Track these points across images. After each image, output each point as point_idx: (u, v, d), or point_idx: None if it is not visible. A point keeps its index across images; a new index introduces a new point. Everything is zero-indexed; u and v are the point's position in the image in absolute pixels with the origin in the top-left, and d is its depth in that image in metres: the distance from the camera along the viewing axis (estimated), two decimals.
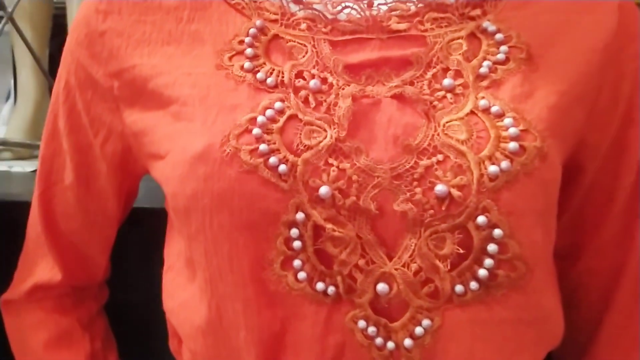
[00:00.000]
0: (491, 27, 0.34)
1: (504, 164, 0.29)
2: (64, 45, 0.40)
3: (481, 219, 0.28)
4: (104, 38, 0.36)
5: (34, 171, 0.86)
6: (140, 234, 0.52)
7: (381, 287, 0.29)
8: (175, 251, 0.37)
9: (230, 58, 0.33)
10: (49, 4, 1.14)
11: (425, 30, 0.34)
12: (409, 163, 0.30)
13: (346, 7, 0.34)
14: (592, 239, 0.39)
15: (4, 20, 0.87)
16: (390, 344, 0.30)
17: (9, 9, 0.85)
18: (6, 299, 0.46)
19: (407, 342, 0.30)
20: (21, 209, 0.59)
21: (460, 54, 0.33)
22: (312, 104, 0.32)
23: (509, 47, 0.33)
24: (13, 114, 1.11)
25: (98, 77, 0.36)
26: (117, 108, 0.37)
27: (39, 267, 0.44)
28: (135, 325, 0.54)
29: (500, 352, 0.30)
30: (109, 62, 0.36)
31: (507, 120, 0.30)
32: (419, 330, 0.29)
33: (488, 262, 0.29)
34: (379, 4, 0.34)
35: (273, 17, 0.35)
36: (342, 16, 0.34)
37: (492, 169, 0.29)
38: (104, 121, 0.38)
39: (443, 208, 0.29)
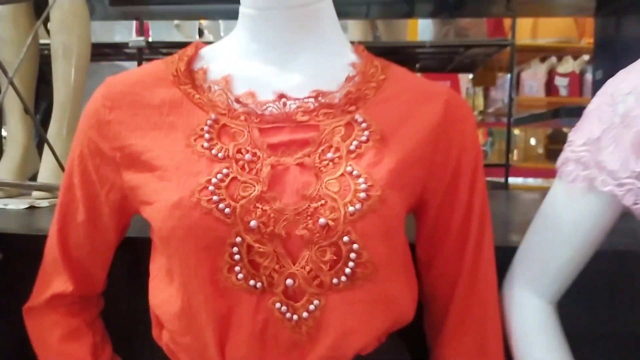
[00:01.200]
0: (360, 118, 0.54)
1: (358, 206, 0.48)
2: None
3: (346, 239, 0.48)
4: (109, 125, 0.54)
5: (27, 208, 1.03)
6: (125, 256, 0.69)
7: (289, 282, 0.48)
8: (157, 265, 0.55)
9: (195, 140, 0.52)
10: (36, 59, 1.31)
11: (319, 121, 0.54)
12: (305, 206, 0.49)
13: (269, 106, 0.54)
14: (439, 253, 0.59)
15: (6, 86, 1.03)
16: (295, 317, 0.49)
17: (10, 74, 1.02)
18: (28, 307, 0.62)
19: (305, 315, 0.49)
20: (17, 241, 0.76)
21: (340, 136, 0.53)
22: (247, 169, 0.51)
23: (370, 131, 0.53)
24: (3, 158, 1.27)
25: (105, 150, 0.55)
26: (118, 170, 0.55)
27: (55, 281, 0.61)
28: (120, 325, 0.71)
29: (361, 320, 0.50)
30: (113, 141, 0.54)
31: (361, 180, 0.50)
32: (312, 307, 0.49)
33: (351, 264, 0.48)
34: (290, 104, 0.54)
35: (222, 112, 0.54)
36: (267, 112, 0.54)
37: (351, 209, 0.48)
38: (108, 178, 0.56)
39: (324, 233, 0.48)
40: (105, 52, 2.49)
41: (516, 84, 3.56)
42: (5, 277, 0.73)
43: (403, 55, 2.71)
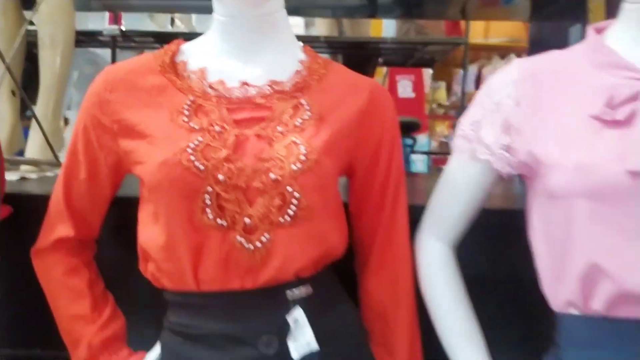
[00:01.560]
0: (304, 102, 0.71)
1: (299, 165, 0.66)
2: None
3: (289, 189, 0.65)
4: (109, 103, 0.70)
5: (18, 180, 1.16)
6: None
7: (247, 220, 0.65)
8: (145, 212, 0.71)
9: (177, 116, 0.69)
10: (24, 47, 1.43)
11: (273, 103, 0.71)
12: (260, 165, 0.66)
13: (235, 91, 0.71)
14: (365, 208, 0.77)
15: (2, 70, 1.16)
16: (251, 247, 0.66)
17: (7, 60, 1.15)
18: (36, 249, 0.77)
19: (259, 245, 0.66)
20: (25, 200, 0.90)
21: (288, 115, 0.70)
22: (217, 138, 0.67)
23: (311, 112, 0.71)
24: None
25: (105, 123, 0.70)
26: (115, 139, 0.71)
27: (60, 228, 0.76)
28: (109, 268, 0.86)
29: (299, 249, 0.67)
30: (113, 115, 0.70)
31: (302, 147, 0.67)
32: (264, 239, 0.66)
33: (293, 208, 0.66)
34: (251, 90, 0.71)
35: (198, 95, 0.70)
36: (233, 95, 0.71)
37: (294, 167, 0.65)
38: (107, 145, 0.71)
39: (274, 185, 0.65)
40: (79, 40, 2.58)
41: (478, 79, 3.81)
42: (14, 228, 0.88)
43: (366, 50, 2.89)
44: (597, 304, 0.59)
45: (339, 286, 0.76)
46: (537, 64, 0.69)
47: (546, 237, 0.64)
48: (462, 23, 2.90)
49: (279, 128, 0.69)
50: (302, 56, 0.76)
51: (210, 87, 0.71)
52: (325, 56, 2.87)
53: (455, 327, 0.73)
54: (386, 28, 3.39)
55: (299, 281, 0.69)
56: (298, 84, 0.73)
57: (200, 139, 0.67)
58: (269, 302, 0.68)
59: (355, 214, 0.79)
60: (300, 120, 0.70)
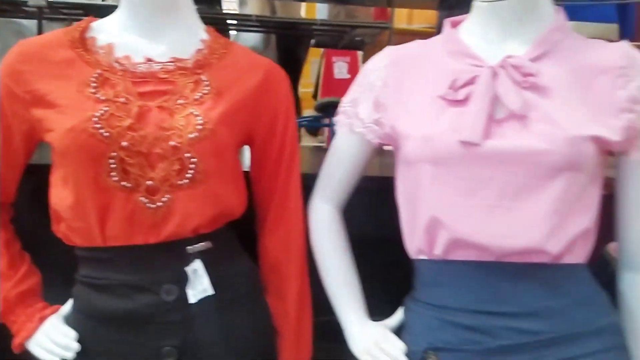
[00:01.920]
0: (204, 78, 0.80)
1: (196, 134, 0.75)
2: None
3: (187, 155, 0.74)
4: (22, 74, 0.76)
5: None
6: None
7: (149, 182, 0.74)
8: (56, 176, 0.78)
9: (85, 87, 0.75)
10: None
11: (175, 78, 0.79)
12: (161, 134, 0.75)
13: (140, 66, 0.78)
14: (263, 174, 0.87)
15: None
16: (153, 206, 0.74)
17: None
18: None
19: (160, 204, 0.74)
20: None
21: (189, 90, 0.78)
22: (122, 109, 0.75)
23: (210, 87, 0.79)
24: None
25: (18, 92, 0.76)
26: (27, 108, 0.77)
27: None
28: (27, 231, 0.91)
29: (197, 208, 0.76)
30: (25, 86, 0.76)
31: (199, 118, 0.76)
32: (164, 199, 0.74)
33: (191, 172, 0.75)
34: (155, 65, 0.79)
35: (106, 68, 0.77)
36: (138, 70, 0.78)
37: (191, 136, 0.74)
38: (20, 113, 0.77)
39: (173, 151, 0.74)
40: (3, 9, 2.49)
41: None
42: None
43: (297, 30, 2.97)
44: (438, 250, 0.72)
45: (236, 242, 0.86)
46: (403, 51, 0.81)
47: (404, 197, 0.77)
48: (389, 9, 3.04)
49: (180, 101, 0.77)
50: (204, 36, 0.85)
51: (117, 61, 0.78)
52: (257, 35, 2.89)
53: (337, 277, 0.85)
54: (319, 10, 3.48)
55: (198, 237, 0.79)
56: (199, 61, 0.81)
57: (105, 108, 0.74)
58: (170, 255, 0.77)
59: (254, 179, 0.89)
60: (199, 94, 0.78)
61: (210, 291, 0.78)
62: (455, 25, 0.81)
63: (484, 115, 0.68)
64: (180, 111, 0.76)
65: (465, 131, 0.68)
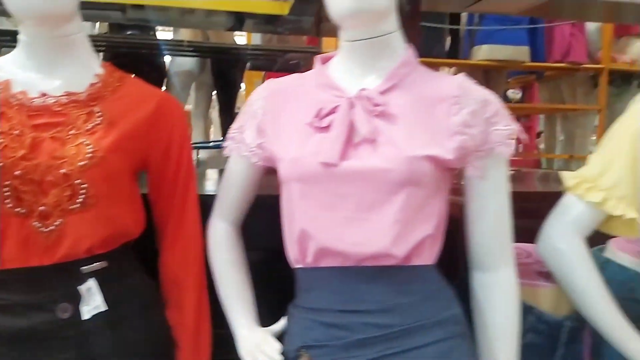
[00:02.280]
0: (97, 110, 0.87)
1: (86, 162, 0.81)
2: None
3: (78, 181, 0.81)
4: None
5: None
6: None
7: (42, 208, 0.80)
8: None
9: None
10: None
11: (69, 111, 0.86)
12: (53, 162, 0.81)
13: (35, 100, 0.85)
14: (160, 196, 0.94)
15: None
16: (47, 230, 0.80)
17: None
18: None
19: (53, 228, 0.80)
20: None
21: (82, 121, 0.85)
22: (16, 140, 0.81)
23: (102, 118, 0.86)
24: None
25: None
26: None
27: None
28: None
29: (88, 230, 0.82)
30: None
31: (90, 147, 0.83)
32: (57, 223, 0.81)
33: (82, 197, 0.81)
34: (49, 99, 0.85)
35: (2, 103, 0.83)
36: (33, 104, 0.84)
37: (82, 163, 0.81)
38: None
39: (64, 178, 0.80)
40: None
41: None
42: None
43: (229, 55, 3.06)
44: (309, 259, 0.81)
45: (132, 260, 0.93)
46: (280, 83, 0.92)
47: (285, 212, 0.86)
48: None
49: (72, 131, 0.84)
50: (99, 70, 0.92)
51: (13, 96, 0.84)
52: (192, 60, 2.94)
53: (231, 288, 0.93)
54: (255, 35, 3.60)
55: (93, 257, 0.85)
56: (92, 94, 0.88)
57: (1, 141, 0.80)
58: (65, 275, 0.83)
59: (152, 201, 0.96)
60: (91, 125, 0.85)
61: (103, 307, 0.84)
62: (325, 61, 0.91)
63: (342, 139, 0.79)
64: (71, 141, 0.83)
65: (325, 154, 0.78)
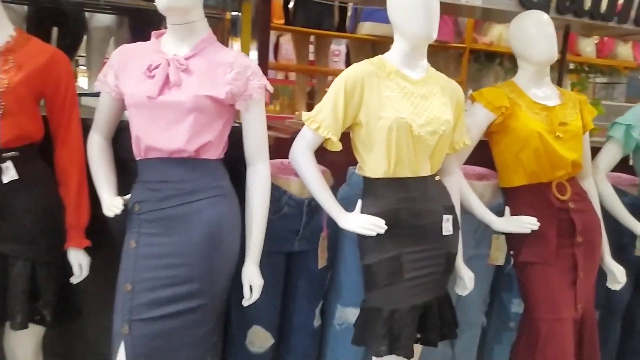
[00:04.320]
0: (10, 58, 1.40)
1: (2, 90, 1.35)
2: None
3: None
4: None
5: None
6: None
7: None
8: None
9: None
10: None
11: None
12: None
13: None
14: (54, 113, 1.49)
15: None
16: None
17: None
18: None
19: None
20: None
21: (1, 64, 1.38)
22: None
23: (14, 63, 1.39)
24: None
25: None
26: None
27: None
28: None
29: (7, 131, 1.37)
30: None
31: (5, 81, 1.36)
32: None
33: (1, 110, 1.35)
34: None
35: None
36: None
37: (1, 89, 1.35)
38: None
39: None
40: None
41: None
42: None
43: (146, 14, 3.49)
44: (141, 153, 1.40)
45: (37, 155, 1.48)
46: (130, 47, 1.48)
47: (130, 126, 1.44)
48: None
49: None
50: (12, 33, 1.44)
51: None
52: (111, 17, 3.42)
53: (99, 172, 1.49)
54: None
55: (10, 148, 1.39)
56: (8, 48, 1.41)
57: None
58: None
59: (49, 119, 1.50)
60: (7, 67, 1.38)
61: (16, 177, 1.40)
62: (159, 36, 1.48)
63: (160, 84, 1.37)
64: None
65: (149, 91, 1.36)
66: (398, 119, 1.46)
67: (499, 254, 1.90)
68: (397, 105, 1.48)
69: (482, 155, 1.90)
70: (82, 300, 1.55)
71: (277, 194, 1.60)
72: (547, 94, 1.82)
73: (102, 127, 1.53)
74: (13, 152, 1.40)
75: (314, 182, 1.52)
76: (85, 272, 1.52)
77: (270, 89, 1.47)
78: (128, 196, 1.46)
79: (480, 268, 1.89)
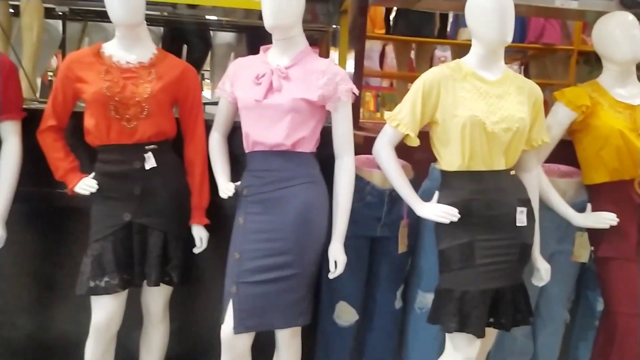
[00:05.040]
0: (153, 70, 1.78)
1: (146, 96, 1.73)
2: None
3: (144, 104, 1.73)
4: (70, 70, 1.75)
5: None
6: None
7: (127, 115, 1.73)
8: (87, 114, 1.78)
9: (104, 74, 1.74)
10: None
11: (140, 70, 1.77)
12: (131, 94, 1.73)
13: (124, 64, 1.77)
14: (184, 115, 1.85)
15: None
16: (130, 126, 1.74)
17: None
18: (39, 130, 1.82)
19: (132, 125, 1.74)
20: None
21: (146, 75, 1.77)
22: (115, 83, 1.73)
23: (156, 74, 1.77)
24: None
25: (70, 76, 1.76)
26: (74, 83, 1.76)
27: (50, 120, 1.81)
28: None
29: (150, 128, 1.76)
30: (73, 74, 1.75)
31: (148, 89, 1.74)
32: (134, 123, 1.74)
33: (145, 111, 1.73)
34: (131, 65, 1.77)
35: (108, 66, 1.76)
36: (123, 66, 1.76)
37: (145, 96, 1.73)
38: (70, 86, 1.77)
39: (137, 102, 1.73)
40: None
41: None
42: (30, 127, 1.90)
43: (260, 32, 3.90)
44: (249, 147, 1.70)
45: (171, 149, 1.84)
46: (243, 60, 1.79)
47: (242, 125, 1.75)
48: None
49: (141, 80, 1.75)
50: (155, 51, 1.82)
51: (114, 62, 1.76)
52: (231, 35, 3.88)
53: (217, 162, 1.83)
54: None
55: (151, 142, 1.77)
56: (152, 62, 1.79)
57: (109, 83, 1.72)
58: (138, 148, 1.75)
59: (180, 119, 1.87)
60: (150, 78, 1.76)
61: (155, 165, 1.77)
62: (265, 50, 1.78)
63: (265, 89, 1.66)
64: (141, 85, 1.74)
65: (256, 95, 1.66)
66: (472, 117, 1.60)
67: (582, 251, 1.93)
68: (472, 105, 1.62)
69: (568, 153, 1.95)
70: (201, 267, 1.89)
71: (361, 184, 1.81)
72: (632, 93, 1.83)
73: (220, 126, 1.86)
74: (153, 145, 1.78)
75: (394, 173, 1.72)
76: (204, 245, 1.86)
77: (356, 92, 1.70)
78: (238, 183, 1.76)
79: (563, 264, 1.94)
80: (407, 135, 1.69)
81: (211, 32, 3.84)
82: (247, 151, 1.74)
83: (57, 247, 2.10)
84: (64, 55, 2.99)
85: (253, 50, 4.04)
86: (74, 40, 3.39)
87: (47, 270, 2.11)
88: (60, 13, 3.40)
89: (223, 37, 3.94)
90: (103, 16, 3.33)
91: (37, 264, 2.11)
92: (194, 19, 3.54)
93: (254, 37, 3.94)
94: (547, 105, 1.90)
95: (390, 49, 5.07)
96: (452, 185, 1.68)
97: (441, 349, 1.77)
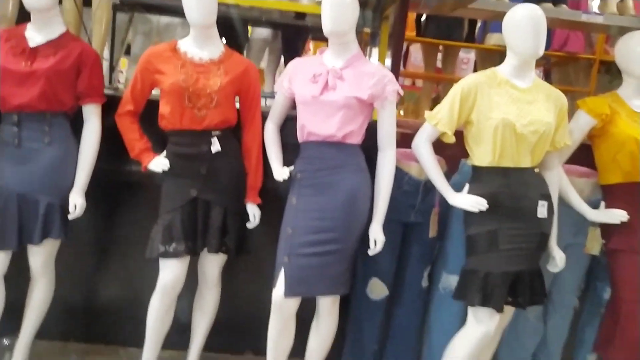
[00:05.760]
0: (221, 66, 2.02)
1: (217, 87, 1.97)
2: None
3: (213, 95, 1.98)
4: (150, 62, 2.00)
5: None
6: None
7: (199, 105, 1.98)
8: (162, 101, 2.02)
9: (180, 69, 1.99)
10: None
11: (210, 66, 2.02)
12: (203, 86, 1.98)
13: (197, 60, 2.01)
14: (244, 106, 2.10)
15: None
16: (200, 113, 1.99)
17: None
18: (117, 114, 2.07)
19: (202, 113, 1.99)
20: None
21: (216, 70, 2.01)
22: (190, 77, 1.97)
23: (223, 70, 2.02)
24: None
25: (149, 68, 2.00)
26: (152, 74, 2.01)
27: (128, 105, 2.06)
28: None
29: (217, 116, 2.01)
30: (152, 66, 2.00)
31: (218, 82, 1.98)
32: (204, 112, 1.99)
33: (214, 101, 1.98)
34: (204, 60, 2.01)
35: (184, 61, 2.00)
36: (197, 62, 2.01)
37: (215, 89, 1.97)
38: (148, 76, 2.01)
39: (208, 94, 1.97)
40: None
41: None
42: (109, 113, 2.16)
43: (296, 28, 4.13)
44: (304, 137, 1.94)
45: (232, 136, 2.09)
46: (300, 60, 2.03)
47: (298, 117, 1.98)
48: None
49: (211, 74, 1.99)
50: (223, 49, 2.06)
51: (188, 57, 2.01)
52: (267, 30, 4.16)
53: (271, 148, 2.07)
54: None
55: (216, 129, 2.01)
56: (221, 59, 2.03)
57: (184, 76, 1.97)
58: (206, 134, 2.00)
59: (241, 109, 2.11)
60: (219, 72, 2.00)
61: (220, 149, 2.01)
62: (322, 52, 2.01)
63: (321, 86, 1.89)
64: (211, 79, 1.99)
65: (313, 92, 1.90)
66: (504, 119, 1.83)
67: (594, 244, 2.15)
68: (505, 108, 1.85)
69: (587, 156, 2.17)
70: (254, 241, 2.14)
71: (400, 175, 2.05)
72: None
73: (275, 117, 2.11)
74: (218, 132, 2.03)
75: (431, 166, 1.95)
76: (257, 221, 2.10)
77: (402, 92, 1.93)
78: (291, 167, 2.00)
79: (576, 255, 2.16)
80: (445, 133, 1.92)
81: (249, 27, 4.07)
82: (301, 141, 1.98)
83: (125, 217, 2.36)
84: (112, 45, 3.19)
85: (287, 46, 4.31)
86: (121, 31, 3.61)
87: (115, 236, 2.39)
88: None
89: (260, 33, 4.17)
90: (149, 8, 3.56)
91: (108, 231, 2.39)
92: (233, 15, 3.76)
93: (289, 34, 4.19)
94: (569, 111, 2.12)
95: (414, 49, 5.26)
96: (482, 179, 1.91)
97: (460, 326, 2.00)
